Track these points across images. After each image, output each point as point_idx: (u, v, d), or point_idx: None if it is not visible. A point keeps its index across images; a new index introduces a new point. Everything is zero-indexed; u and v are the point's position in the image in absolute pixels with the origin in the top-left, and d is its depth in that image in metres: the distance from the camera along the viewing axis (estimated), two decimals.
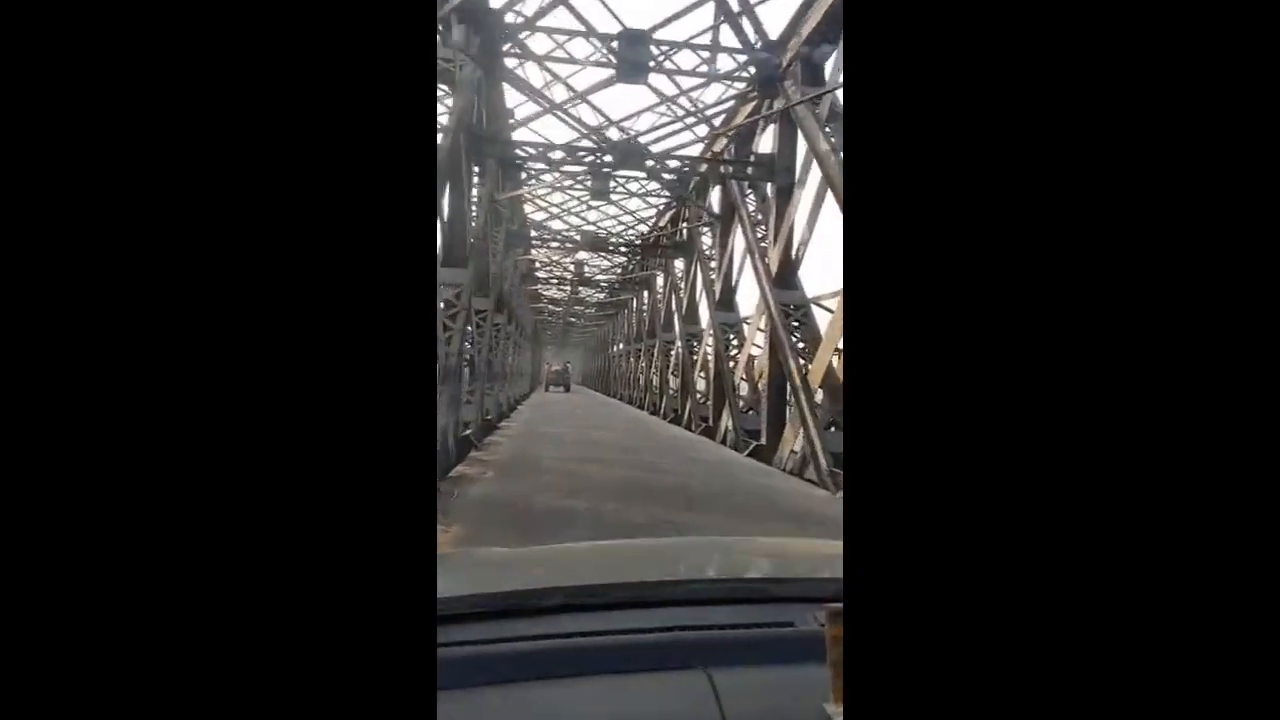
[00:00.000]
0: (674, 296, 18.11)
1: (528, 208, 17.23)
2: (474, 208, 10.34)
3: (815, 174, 8.84)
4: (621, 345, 28.22)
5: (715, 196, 13.89)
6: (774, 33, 9.26)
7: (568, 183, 14.60)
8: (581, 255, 21.84)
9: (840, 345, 8.49)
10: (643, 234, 18.73)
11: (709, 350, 14.72)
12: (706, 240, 14.64)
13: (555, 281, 25.67)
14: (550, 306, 32.84)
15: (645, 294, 22.82)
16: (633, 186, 15.76)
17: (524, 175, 13.33)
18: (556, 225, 18.79)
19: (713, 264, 14.16)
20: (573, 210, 18.48)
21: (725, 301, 13.44)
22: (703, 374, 15.24)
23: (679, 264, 17.66)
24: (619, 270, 22.59)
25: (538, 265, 22.93)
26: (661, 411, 18.43)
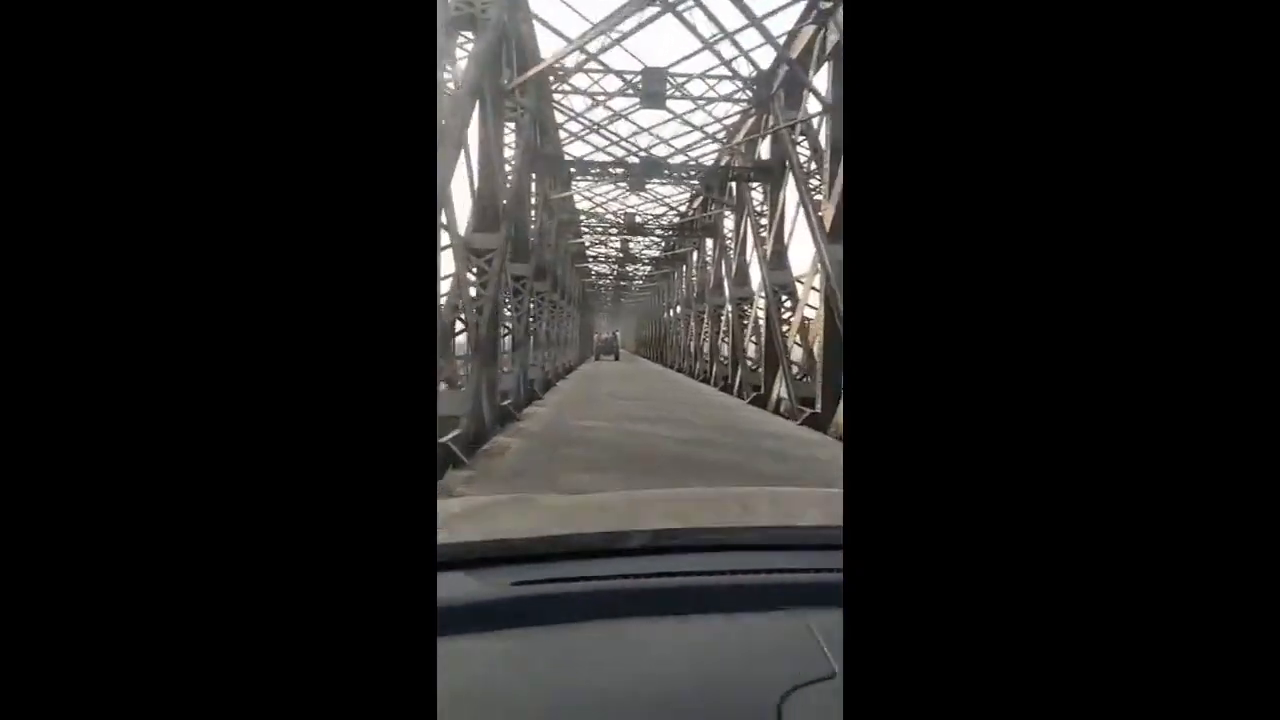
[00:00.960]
0: (724, 259, 17.39)
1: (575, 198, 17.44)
2: (510, 172, 9.98)
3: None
4: (677, 309, 27.59)
5: (765, 148, 13.21)
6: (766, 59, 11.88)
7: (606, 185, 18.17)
8: (631, 205, 21.44)
9: None
10: (676, 217, 19.57)
11: (760, 313, 14.04)
12: (758, 196, 13.90)
13: (602, 241, 25.25)
14: (598, 269, 32.27)
15: (696, 255, 22.40)
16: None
17: (572, 170, 15.12)
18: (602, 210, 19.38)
19: (763, 221, 13.45)
20: (608, 194, 18.71)
21: (777, 260, 12.72)
22: (754, 339, 14.59)
23: (729, 222, 16.96)
24: (671, 229, 22.06)
25: (584, 224, 22.41)
26: (712, 379, 17.86)
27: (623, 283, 36.37)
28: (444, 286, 8.10)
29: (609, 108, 13.50)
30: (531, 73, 10.13)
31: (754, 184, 13.82)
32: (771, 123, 11.37)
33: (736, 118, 13.95)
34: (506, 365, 10.99)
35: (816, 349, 10.41)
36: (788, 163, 11.09)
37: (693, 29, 9.91)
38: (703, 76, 11.92)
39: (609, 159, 14.15)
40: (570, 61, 10.94)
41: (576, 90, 12.12)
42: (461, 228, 8.46)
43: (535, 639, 0.77)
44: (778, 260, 12.70)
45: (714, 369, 18.05)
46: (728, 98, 12.49)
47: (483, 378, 8.57)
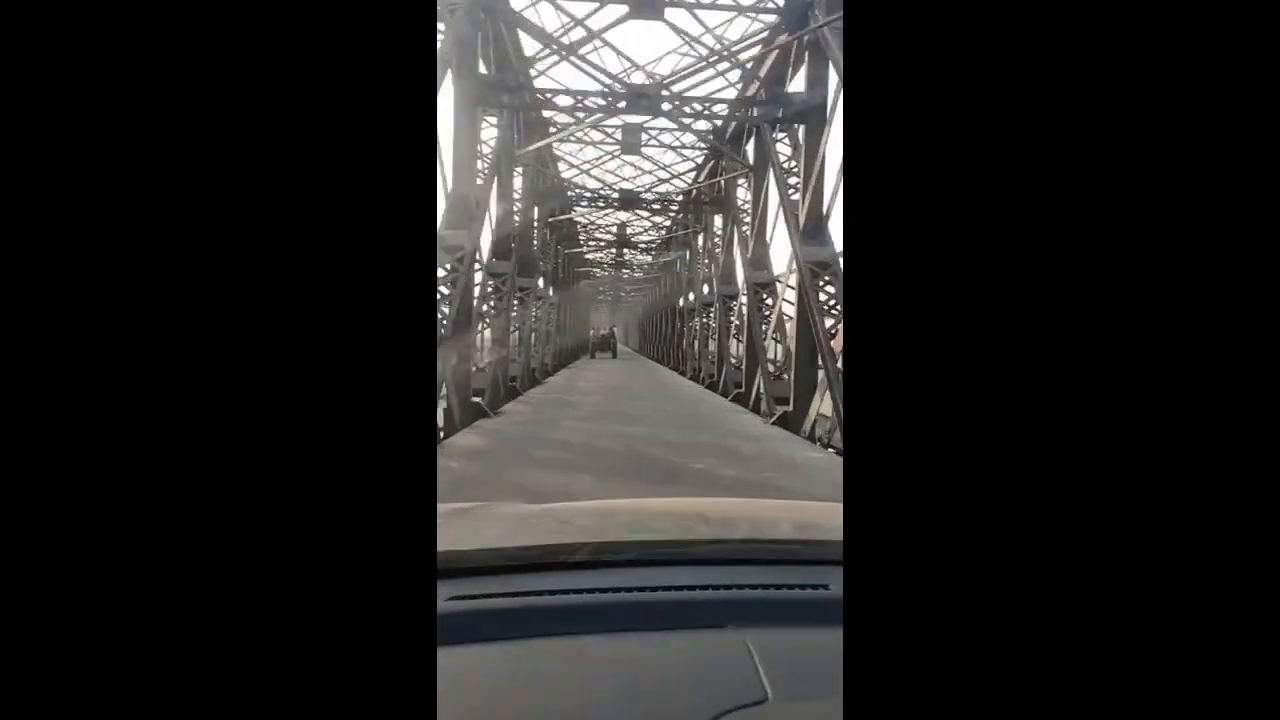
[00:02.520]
0: (710, 257, 17.29)
1: (561, 166, 16.53)
2: (485, 164, 9.88)
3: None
4: (678, 304, 26.47)
5: (752, 148, 13.04)
6: None
7: (598, 138, 14.44)
8: (623, 216, 21.04)
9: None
10: (681, 188, 17.93)
11: (744, 311, 13.97)
12: (742, 194, 13.80)
13: (598, 244, 24.69)
14: (597, 270, 31.96)
15: (687, 254, 21.76)
16: (666, 139, 14.97)
17: (551, 129, 13.02)
18: (590, 183, 18.06)
19: (746, 220, 13.33)
20: (605, 166, 17.73)
21: (758, 260, 12.62)
22: (737, 337, 14.53)
23: (717, 221, 16.80)
24: (663, 229, 21.58)
25: (579, 227, 22.13)
26: (700, 377, 17.83)
27: (624, 271, 33.63)
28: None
29: (588, 28, 10.27)
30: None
31: (782, 132, 10.83)
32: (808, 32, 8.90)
33: (761, 41, 10.72)
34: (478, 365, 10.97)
35: (792, 348, 10.37)
36: (768, 162, 10.87)
37: None
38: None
39: (578, 103, 10.60)
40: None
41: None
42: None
43: (462, 656, 0.75)
44: (759, 259, 12.60)
45: (702, 367, 18.03)
46: (750, 9, 10.07)
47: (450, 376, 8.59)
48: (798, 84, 10.35)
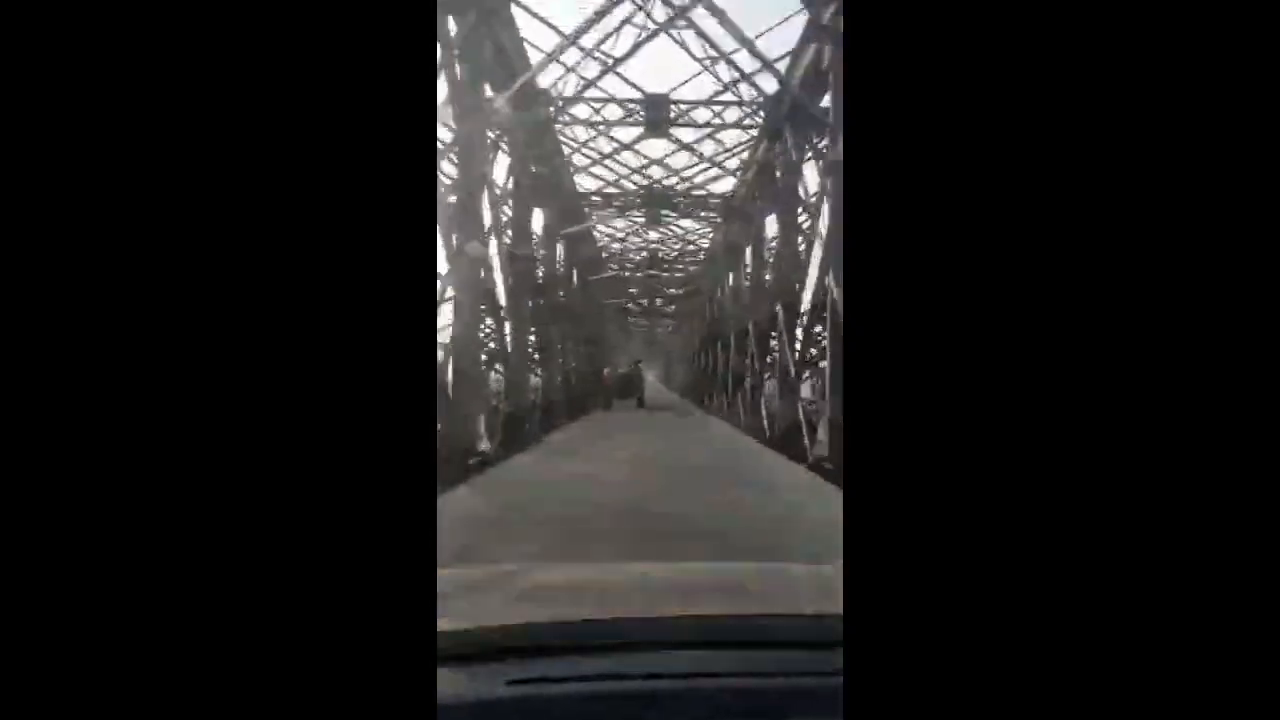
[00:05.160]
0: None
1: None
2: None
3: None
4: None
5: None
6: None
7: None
8: (653, 236, 20.02)
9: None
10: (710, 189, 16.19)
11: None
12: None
13: (629, 266, 22.06)
14: (632, 305, 30.94)
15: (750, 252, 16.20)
16: (700, 116, 13.73)
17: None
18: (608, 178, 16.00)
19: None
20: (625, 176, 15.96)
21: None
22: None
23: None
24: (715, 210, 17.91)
25: (603, 250, 20.79)
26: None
27: (657, 302, 28.19)
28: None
29: (614, 139, 12.86)
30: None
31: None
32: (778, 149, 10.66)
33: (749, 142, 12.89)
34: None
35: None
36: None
37: None
38: (702, 103, 11.39)
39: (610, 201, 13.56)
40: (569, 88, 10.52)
41: (579, 121, 11.85)
42: None
43: None
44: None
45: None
46: (735, 125, 11.96)
47: None
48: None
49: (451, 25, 8.02)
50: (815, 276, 9.77)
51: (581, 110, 11.97)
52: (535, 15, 9.52)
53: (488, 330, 10.31)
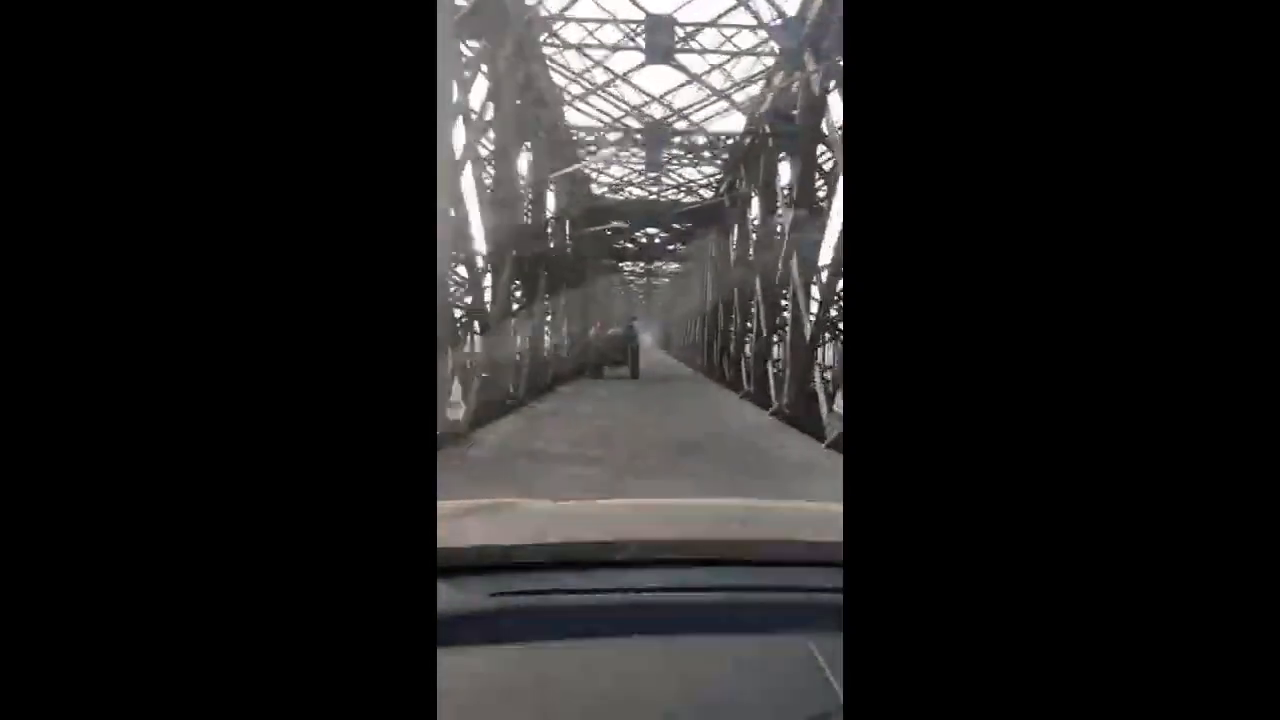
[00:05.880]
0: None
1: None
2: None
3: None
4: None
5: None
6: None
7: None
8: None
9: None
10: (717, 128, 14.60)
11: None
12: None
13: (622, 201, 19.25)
14: (631, 269, 29.46)
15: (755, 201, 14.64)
16: (708, 40, 12.78)
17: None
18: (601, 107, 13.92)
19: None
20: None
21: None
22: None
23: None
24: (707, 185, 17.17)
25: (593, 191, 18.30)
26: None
27: (655, 261, 25.89)
28: None
29: (609, 69, 11.57)
30: None
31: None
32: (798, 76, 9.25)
33: (764, 74, 11.41)
34: None
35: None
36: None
37: None
38: (711, 25, 10.38)
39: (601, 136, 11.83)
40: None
41: (570, 45, 10.56)
42: None
43: (515, 656, 0.76)
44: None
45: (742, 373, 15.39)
46: (749, 52, 10.96)
47: None
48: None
49: None
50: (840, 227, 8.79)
51: (574, 34, 10.61)
52: None
53: (459, 281, 9.07)
